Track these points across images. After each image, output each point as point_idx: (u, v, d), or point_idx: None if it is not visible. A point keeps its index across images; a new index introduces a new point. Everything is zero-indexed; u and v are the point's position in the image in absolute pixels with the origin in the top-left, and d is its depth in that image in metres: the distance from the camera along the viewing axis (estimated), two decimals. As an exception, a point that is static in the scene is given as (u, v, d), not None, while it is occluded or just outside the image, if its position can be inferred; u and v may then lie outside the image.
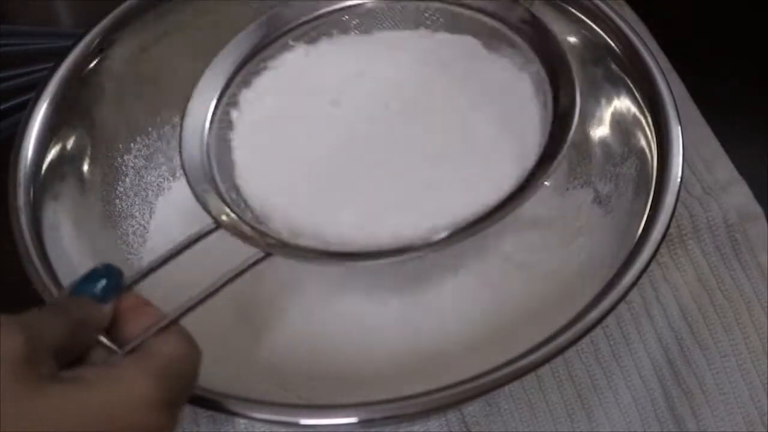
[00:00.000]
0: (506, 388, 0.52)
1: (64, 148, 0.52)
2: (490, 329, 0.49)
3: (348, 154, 0.47)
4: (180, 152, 0.46)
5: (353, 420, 0.41)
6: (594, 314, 0.43)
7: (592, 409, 0.52)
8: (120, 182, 0.55)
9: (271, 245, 0.42)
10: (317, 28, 0.50)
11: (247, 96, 0.49)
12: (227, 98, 0.48)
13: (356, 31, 0.51)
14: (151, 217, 0.55)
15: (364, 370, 0.48)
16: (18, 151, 0.50)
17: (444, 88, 0.49)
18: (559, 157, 0.44)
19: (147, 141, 0.56)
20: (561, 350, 0.42)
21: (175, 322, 0.37)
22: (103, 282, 0.37)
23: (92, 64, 0.53)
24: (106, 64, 0.54)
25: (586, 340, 0.53)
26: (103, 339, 0.36)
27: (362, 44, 0.50)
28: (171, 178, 0.57)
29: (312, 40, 0.50)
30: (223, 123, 0.48)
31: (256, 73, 0.50)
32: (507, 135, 0.47)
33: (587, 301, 0.43)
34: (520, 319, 0.49)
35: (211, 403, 0.42)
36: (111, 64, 0.54)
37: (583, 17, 0.53)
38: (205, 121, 0.47)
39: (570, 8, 0.53)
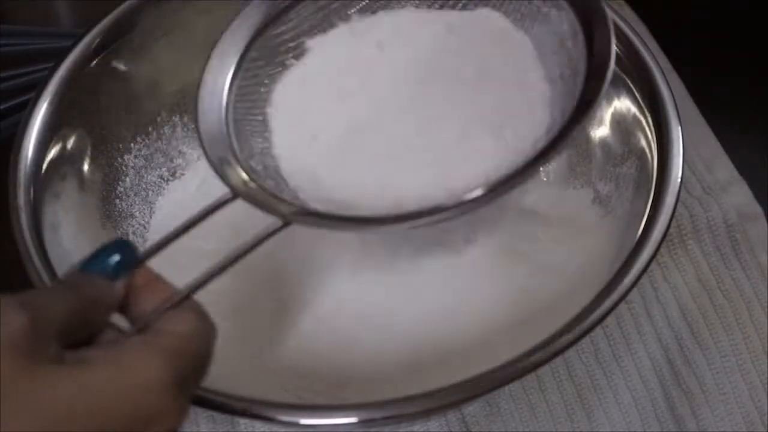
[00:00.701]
0: (506, 388, 0.52)
1: (64, 148, 0.52)
2: (491, 330, 0.49)
3: (374, 124, 0.45)
4: (196, 122, 0.43)
5: (353, 420, 0.41)
6: (594, 315, 0.43)
7: (592, 409, 0.52)
8: (120, 182, 0.55)
9: (291, 213, 0.40)
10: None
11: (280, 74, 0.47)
12: (245, 68, 0.46)
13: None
14: (151, 217, 0.55)
15: (365, 371, 0.48)
16: (18, 150, 0.50)
17: (467, 59, 0.47)
18: (596, 102, 0.41)
19: (147, 141, 0.56)
20: (561, 350, 0.42)
21: (187, 297, 0.35)
22: (115, 258, 0.35)
23: (92, 64, 0.53)
24: (106, 64, 0.54)
25: (586, 340, 0.53)
26: (113, 321, 0.35)
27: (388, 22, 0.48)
28: (171, 178, 0.57)
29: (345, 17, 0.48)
30: (242, 92, 0.46)
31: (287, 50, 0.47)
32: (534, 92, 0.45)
33: (587, 301, 0.43)
34: (520, 319, 0.49)
35: (211, 403, 0.42)
36: (111, 64, 0.54)
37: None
38: (223, 90, 0.45)
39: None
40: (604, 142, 0.53)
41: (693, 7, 0.66)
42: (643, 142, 0.49)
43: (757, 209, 0.57)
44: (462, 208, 0.40)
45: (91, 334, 0.34)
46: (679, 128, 0.48)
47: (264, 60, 0.46)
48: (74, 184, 0.52)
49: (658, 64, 0.50)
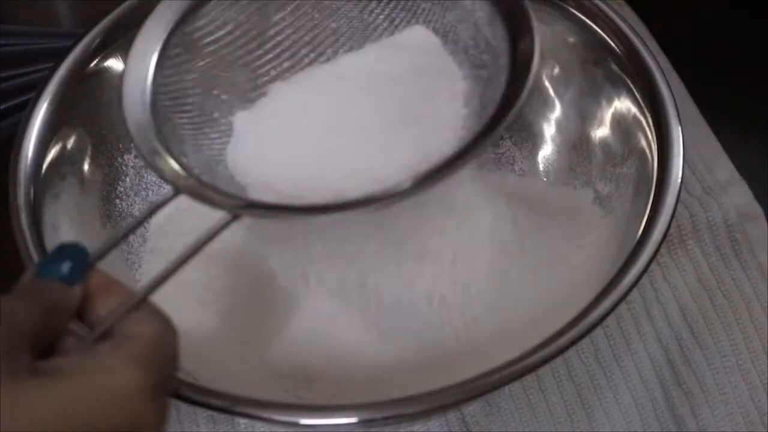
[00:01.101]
0: (506, 388, 0.52)
1: (64, 148, 0.52)
2: (490, 330, 0.49)
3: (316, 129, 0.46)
4: (124, 118, 0.43)
5: (353, 420, 0.41)
6: (594, 315, 0.43)
7: (592, 409, 0.52)
8: (120, 182, 0.55)
9: (236, 206, 0.40)
10: None
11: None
12: (167, 56, 0.46)
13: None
14: (151, 216, 0.55)
15: (364, 371, 0.48)
16: (18, 151, 0.50)
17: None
18: (517, 105, 0.41)
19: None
20: (561, 351, 0.42)
21: (144, 300, 0.35)
22: (69, 263, 0.34)
23: (92, 64, 0.53)
24: (106, 64, 0.54)
25: (586, 340, 0.52)
26: (73, 325, 0.34)
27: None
28: (171, 178, 0.57)
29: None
30: (168, 83, 0.45)
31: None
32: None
33: (588, 302, 0.43)
34: (520, 319, 0.49)
35: (212, 403, 0.42)
36: (111, 64, 0.54)
37: (583, 17, 0.53)
38: (146, 81, 0.44)
39: (570, 8, 0.53)
40: (604, 142, 0.53)
41: (693, 7, 0.66)
42: (643, 142, 0.49)
43: (757, 209, 0.57)
44: (392, 198, 0.40)
45: (52, 341, 0.33)
46: (679, 128, 0.48)
47: (185, 55, 0.46)
48: (74, 184, 0.52)
49: (658, 64, 0.50)
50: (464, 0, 0.46)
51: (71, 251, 0.35)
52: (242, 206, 0.41)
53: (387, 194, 0.40)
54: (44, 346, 0.32)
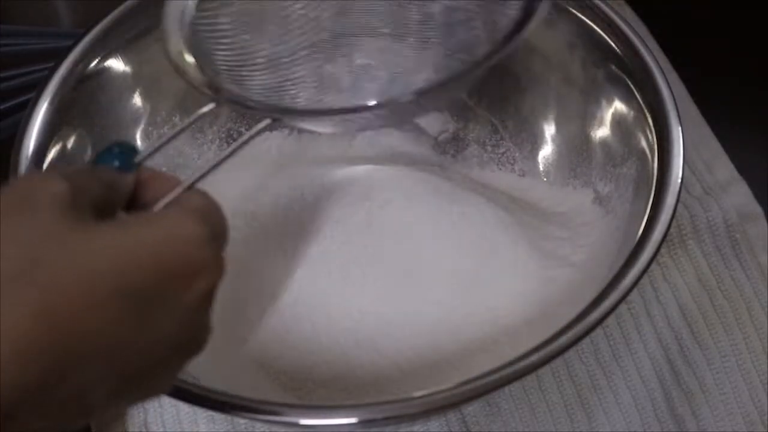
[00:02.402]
0: (506, 388, 0.52)
1: (64, 148, 0.52)
2: (490, 330, 0.49)
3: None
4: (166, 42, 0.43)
5: (353, 420, 0.41)
6: (594, 314, 0.43)
7: (592, 409, 0.52)
8: (120, 182, 0.55)
9: (274, 111, 0.42)
10: None
11: None
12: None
13: None
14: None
15: (364, 372, 0.48)
16: (18, 151, 0.50)
17: None
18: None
19: (147, 140, 0.56)
20: (562, 351, 0.42)
21: (195, 183, 0.36)
22: (120, 156, 0.36)
23: (92, 64, 0.53)
24: (106, 64, 0.54)
25: (586, 340, 0.52)
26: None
27: None
28: (171, 178, 0.57)
29: None
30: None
31: None
32: None
33: (588, 302, 0.43)
34: (519, 319, 0.49)
35: (211, 402, 0.42)
36: (111, 64, 0.54)
37: (583, 17, 0.53)
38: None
39: (570, 8, 0.53)
40: (604, 143, 0.53)
41: (693, 7, 0.66)
42: (644, 143, 0.49)
43: (757, 209, 0.57)
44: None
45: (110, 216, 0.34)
46: (680, 128, 0.48)
47: None
48: (74, 184, 0.52)
49: (658, 63, 0.50)
50: None
51: (122, 147, 0.36)
52: (278, 110, 0.43)
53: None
54: (103, 218, 0.33)
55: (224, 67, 0.45)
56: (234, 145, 0.39)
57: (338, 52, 0.47)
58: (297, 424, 0.42)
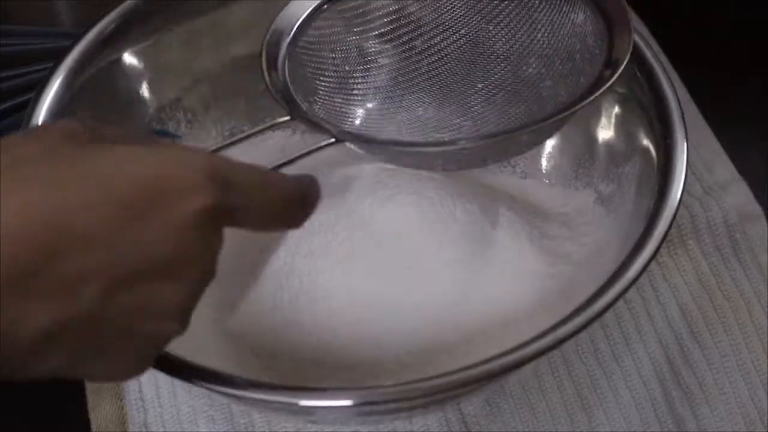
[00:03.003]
0: (506, 388, 0.52)
1: (64, 147, 0.52)
2: (491, 328, 0.49)
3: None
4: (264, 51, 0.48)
5: (349, 403, 0.41)
6: (594, 307, 0.42)
7: (592, 409, 0.52)
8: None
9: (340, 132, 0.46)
10: None
11: None
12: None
13: None
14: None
15: (364, 366, 0.48)
16: (18, 150, 0.50)
17: None
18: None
19: (148, 140, 0.56)
20: (561, 341, 0.41)
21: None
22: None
23: (93, 63, 0.53)
24: (107, 63, 0.54)
25: (586, 340, 0.53)
26: None
27: None
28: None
29: None
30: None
31: None
32: None
33: (587, 298, 0.43)
34: (521, 315, 0.49)
35: (206, 379, 0.41)
36: (111, 63, 0.54)
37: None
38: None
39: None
40: (606, 143, 0.53)
41: (693, 7, 0.66)
42: (646, 143, 0.49)
43: (757, 209, 0.57)
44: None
45: None
46: (683, 128, 0.48)
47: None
48: (75, 184, 0.52)
49: (660, 63, 0.50)
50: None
51: (159, 133, 0.39)
52: (346, 134, 0.46)
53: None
54: None
55: (321, 91, 0.50)
56: (296, 155, 0.44)
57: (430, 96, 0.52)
58: (296, 405, 0.41)
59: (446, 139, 0.50)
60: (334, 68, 0.51)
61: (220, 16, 0.56)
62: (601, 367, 0.53)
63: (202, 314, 0.43)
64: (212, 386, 0.41)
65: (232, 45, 0.57)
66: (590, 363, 0.53)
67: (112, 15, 0.54)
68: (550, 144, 0.57)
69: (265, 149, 0.57)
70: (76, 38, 0.53)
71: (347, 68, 0.51)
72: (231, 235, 0.35)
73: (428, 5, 0.51)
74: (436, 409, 0.52)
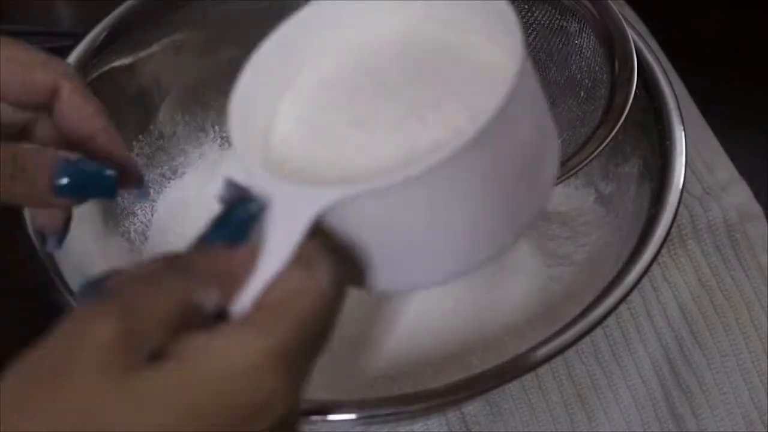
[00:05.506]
0: (506, 388, 0.52)
1: (64, 147, 0.52)
2: (492, 330, 0.49)
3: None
4: None
5: (352, 417, 0.41)
6: (596, 313, 0.43)
7: (592, 409, 0.52)
8: (120, 181, 0.55)
9: None
10: None
11: None
12: None
13: None
14: (152, 215, 0.55)
15: (364, 373, 0.48)
16: (19, 150, 0.50)
17: None
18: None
19: (149, 139, 0.56)
20: (563, 349, 0.42)
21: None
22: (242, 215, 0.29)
23: (92, 64, 0.53)
24: (107, 63, 0.54)
25: (586, 340, 0.52)
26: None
27: None
28: (172, 177, 0.57)
29: None
30: None
31: None
32: None
33: (590, 300, 0.43)
34: (522, 317, 0.49)
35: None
36: (111, 63, 0.54)
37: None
38: None
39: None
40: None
41: (693, 8, 0.66)
42: (645, 142, 0.49)
43: (757, 209, 0.57)
44: None
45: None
46: (682, 128, 0.48)
47: None
48: (75, 183, 0.52)
49: (660, 63, 0.50)
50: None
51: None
52: None
53: None
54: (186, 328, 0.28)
55: None
56: None
57: None
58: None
59: None
60: None
61: (221, 19, 0.56)
62: (601, 367, 0.53)
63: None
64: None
65: (229, 47, 0.57)
66: (590, 363, 0.53)
67: (113, 15, 0.55)
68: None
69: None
70: (76, 38, 0.53)
71: None
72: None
73: None
74: (438, 414, 0.52)
